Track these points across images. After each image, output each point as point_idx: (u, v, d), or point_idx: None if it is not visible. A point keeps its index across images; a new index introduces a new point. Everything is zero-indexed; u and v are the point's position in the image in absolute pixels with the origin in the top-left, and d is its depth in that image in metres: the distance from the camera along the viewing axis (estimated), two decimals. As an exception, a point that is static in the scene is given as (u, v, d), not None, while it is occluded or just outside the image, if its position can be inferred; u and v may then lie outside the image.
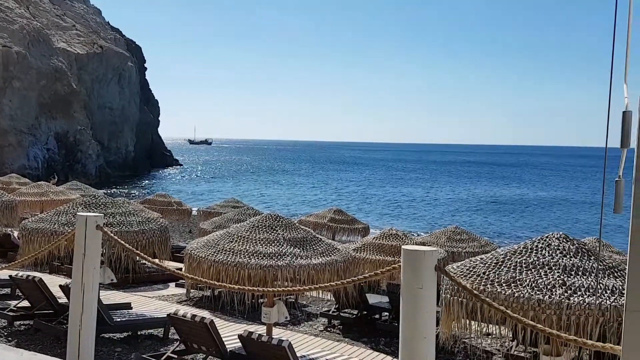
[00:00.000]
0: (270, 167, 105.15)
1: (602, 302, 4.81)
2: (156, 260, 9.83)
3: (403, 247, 2.67)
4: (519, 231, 34.86)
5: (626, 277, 1.72)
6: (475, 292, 2.78)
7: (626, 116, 1.76)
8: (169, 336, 8.40)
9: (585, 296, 4.91)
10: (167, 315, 7.27)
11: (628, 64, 1.83)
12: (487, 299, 2.72)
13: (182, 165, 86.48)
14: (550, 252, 5.58)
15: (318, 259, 7.07)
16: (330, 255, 7.26)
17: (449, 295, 5.54)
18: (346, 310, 10.69)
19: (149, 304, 10.73)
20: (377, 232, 13.87)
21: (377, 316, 10.56)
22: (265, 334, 6.83)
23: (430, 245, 13.45)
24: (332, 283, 3.55)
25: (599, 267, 5.36)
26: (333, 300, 10.91)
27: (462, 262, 6.24)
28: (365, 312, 10.48)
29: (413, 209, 45.64)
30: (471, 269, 5.81)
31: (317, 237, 7.76)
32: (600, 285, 5.06)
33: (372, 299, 10.74)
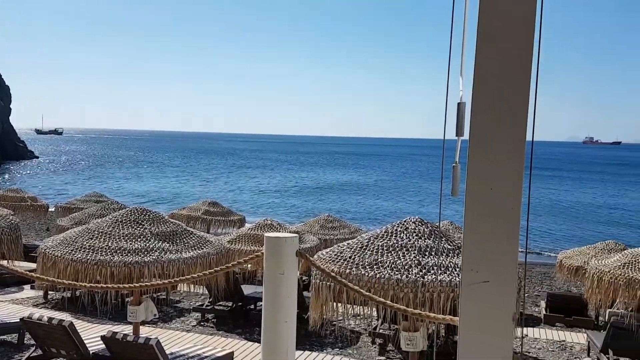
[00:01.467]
0: (135, 158, 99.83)
1: (452, 279, 5.26)
2: (4, 262, 8.88)
3: (265, 235, 2.69)
4: (379, 215, 37.03)
5: (462, 255, 1.89)
6: (332, 274, 2.89)
7: (460, 107, 1.92)
8: (25, 342, 7.75)
9: (437, 274, 5.35)
10: (21, 319, 6.68)
11: (464, 58, 1.99)
12: (344, 280, 2.85)
13: (38, 157, 78.86)
14: (408, 235, 5.98)
15: (189, 252, 6.86)
16: (202, 248, 7.09)
17: (317, 280, 5.70)
18: (220, 303, 10.56)
19: (0, 308, 9.76)
20: (253, 223, 13.85)
21: (252, 306, 10.58)
22: (132, 334, 6.53)
23: (304, 233, 13.75)
24: (193, 275, 3.46)
25: (450, 247, 5.86)
26: (207, 294, 10.73)
27: (331, 247, 6.46)
28: (240, 304, 10.45)
29: (286, 198, 46.34)
30: (339, 253, 6.04)
31: (188, 230, 7.54)
32: (451, 263, 5.53)
33: (247, 289, 10.73)
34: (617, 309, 9.02)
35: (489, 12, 1.72)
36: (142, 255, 6.65)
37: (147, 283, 5.24)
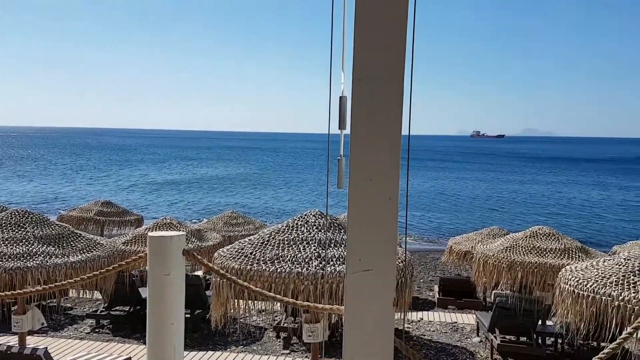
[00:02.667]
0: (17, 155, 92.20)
1: (351, 269, 5.40)
2: None
3: (149, 234, 2.58)
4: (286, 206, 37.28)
5: (347, 245, 1.94)
6: (222, 271, 2.85)
7: (342, 101, 1.97)
8: None
9: (336, 265, 5.47)
10: None
11: (345, 52, 2.04)
12: (233, 277, 2.81)
13: None
14: (308, 228, 6.06)
15: (77, 256, 6.45)
16: (92, 251, 6.69)
17: (217, 279, 5.61)
18: (117, 308, 10.05)
19: None
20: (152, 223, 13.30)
21: (151, 309, 10.19)
22: (17, 344, 6.05)
23: (207, 231, 13.45)
24: (77, 279, 3.25)
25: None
26: (103, 299, 10.17)
27: (232, 244, 6.38)
28: (138, 307, 10.02)
29: (185, 194, 45.07)
30: (240, 250, 5.98)
31: (76, 233, 7.07)
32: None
33: (145, 292, 10.32)
34: (501, 290, 9.78)
35: (365, 8, 1.78)
36: (24, 261, 6.15)
37: (30, 290, 4.85)
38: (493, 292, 10.17)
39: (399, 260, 5.99)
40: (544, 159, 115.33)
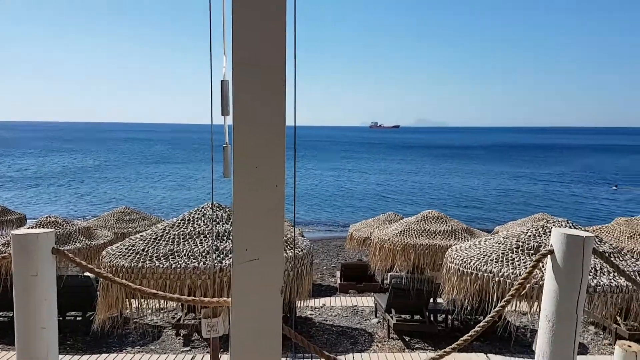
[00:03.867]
0: None
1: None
2: None
3: (12, 232, 2.34)
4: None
5: (232, 234, 1.88)
6: (97, 270, 2.67)
7: (224, 85, 1.90)
8: None
9: (234, 257, 5.37)
10: None
11: (226, 35, 1.96)
12: (110, 276, 2.65)
13: None
14: (206, 221, 5.89)
15: (-58, 261, 5.77)
16: (-39, 255, 6.02)
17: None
18: (1, 314, 9.21)
19: None
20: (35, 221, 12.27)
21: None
22: None
23: (97, 229, 12.66)
24: None
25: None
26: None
27: (122, 241, 6.04)
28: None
29: (65, 188, 42.16)
30: (130, 247, 5.67)
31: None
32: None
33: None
34: (396, 272, 10.22)
35: None
36: None
37: None
38: (389, 274, 10.60)
39: (299, 249, 6.02)
40: (433, 148, 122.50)
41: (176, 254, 5.47)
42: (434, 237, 9.87)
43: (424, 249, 9.57)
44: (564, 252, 2.14)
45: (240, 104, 1.79)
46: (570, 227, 5.93)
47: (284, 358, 5.80)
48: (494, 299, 5.22)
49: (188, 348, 8.39)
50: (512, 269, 5.40)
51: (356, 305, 11.02)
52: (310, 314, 10.54)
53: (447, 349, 2.18)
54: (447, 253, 6.49)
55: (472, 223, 19.55)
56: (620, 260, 5.76)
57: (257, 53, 1.76)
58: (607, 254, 5.61)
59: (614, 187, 43.11)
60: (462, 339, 2.26)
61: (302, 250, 5.95)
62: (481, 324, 2.29)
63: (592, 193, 40.50)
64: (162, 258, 5.41)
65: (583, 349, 8.47)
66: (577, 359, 7.38)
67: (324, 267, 16.62)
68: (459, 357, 7.47)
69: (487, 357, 7.16)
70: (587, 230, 6.33)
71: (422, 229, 10.06)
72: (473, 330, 2.29)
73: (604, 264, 5.68)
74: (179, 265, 5.28)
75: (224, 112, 1.90)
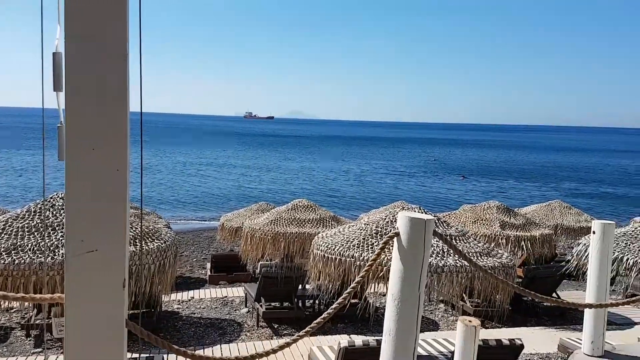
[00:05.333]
0: None
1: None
2: None
3: None
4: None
5: (65, 224, 1.71)
6: None
7: (56, 58, 1.71)
8: None
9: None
10: None
11: (60, 4, 1.77)
12: None
13: None
14: (55, 212, 5.40)
15: None
16: None
17: None
18: None
19: None
20: None
21: None
22: None
23: None
24: None
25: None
26: None
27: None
28: None
29: None
30: (-37, 243, 5.02)
31: None
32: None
33: None
34: (267, 260, 10.29)
35: None
36: None
37: None
38: (259, 263, 10.63)
39: (161, 241, 5.77)
40: (303, 138, 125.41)
41: (20, 248, 4.95)
42: (304, 225, 10.06)
43: (293, 237, 9.72)
44: (408, 235, 2.28)
45: (73, 79, 1.63)
46: (421, 212, 6.40)
47: (135, 355, 5.50)
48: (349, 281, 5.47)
49: (40, 349, 7.68)
50: (371, 253, 5.69)
51: (226, 296, 10.89)
52: (178, 308, 10.22)
53: (300, 333, 2.21)
54: (313, 240, 6.66)
55: (339, 211, 20.27)
56: (464, 242, 6.35)
57: (93, 24, 1.61)
58: (448, 236, 6.13)
59: (462, 178, 47.46)
60: (315, 322, 2.31)
61: (164, 242, 5.71)
62: (333, 306, 2.36)
63: (442, 183, 44.21)
64: (3, 253, 4.86)
65: (434, 326, 9.22)
66: (421, 335, 7.98)
67: (194, 260, 16.21)
68: (323, 339, 7.73)
69: (350, 337, 7.48)
70: (436, 217, 6.89)
71: (293, 217, 10.20)
72: (326, 312, 2.36)
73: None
74: (22, 261, 4.78)
75: (57, 87, 1.72)
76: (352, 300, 9.55)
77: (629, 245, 7.18)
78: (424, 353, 7.09)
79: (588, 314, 3.86)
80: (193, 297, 10.93)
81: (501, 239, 10.51)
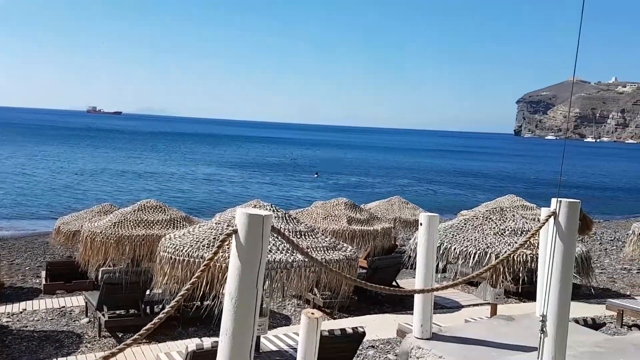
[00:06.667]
0: None
1: None
2: None
3: None
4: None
5: None
6: None
7: None
8: None
9: None
10: None
11: None
12: None
13: None
14: None
15: None
16: None
17: None
18: None
19: None
20: None
21: None
22: None
23: None
24: None
25: None
26: None
27: None
28: None
29: None
30: None
31: None
32: None
33: None
34: (109, 266, 9.62)
35: None
36: None
37: None
38: (101, 269, 9.92)
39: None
40: (151, 135, 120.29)
41: None
42: (152, 227, 9.60)
43: (140, 240, 9.23)
44: (246, 231, 2.28)
45: None
46: (272, 210, 6.49)
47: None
48: (204, 284, 5.35)
49: None
50: (221, 252, 5.60)
51: (64, 307, 10.01)
52: (7, 321, 9.16)
53: (127, 342, 2.09)
54: (160, 242, 6.37)
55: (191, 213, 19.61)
56: (313, 237, 6.56)
57: None
58: (296, 232, 6.30)
59: (315, 175, 49.06)
60: (144, 328, 2.20)
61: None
62: (165, 310, 2.28)
63: (296, 181, 45.36)
64: None
65: (286, 321, 9.43)
66: (273, 331, 8.10)
67: (27, 268, 14.62)
68: (173, 345, 7.48)
69: (201, 340, 7.34)
70: (288, 213, 7.03)
71: (140, 219, 9.68)
72: (156, 318, 2.26)
73: (300, 242, 6.39)
74: None
75: None
76: (207, 302, 9.37)
77: (456, 236, 8.03)
78: (273, 348, 7.20)
79: (417, 299, 4.22)
80: (25, 309, 9.90)
81: (348, 234, 11.07)
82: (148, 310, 8.89)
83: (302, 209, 12.15)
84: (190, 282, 2.27)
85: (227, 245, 2.44)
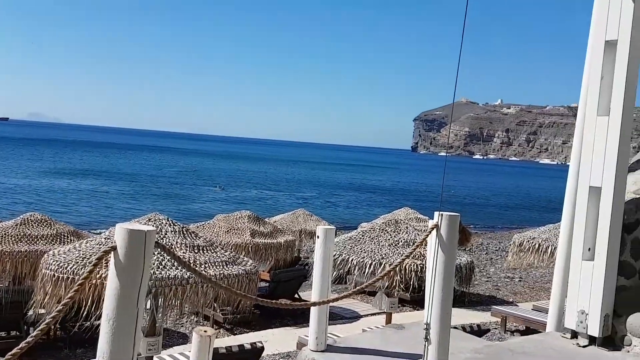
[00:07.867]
0: None
1: None
2: None
3: None
4: None
5: None
6: None
7: None
8: None
9: None
10: None
11: None
12: None
13: None
14: None
15: None
16: None
17: None
18: None
19: None
20: None
21: None
22: None
23: None
24: None
25: None
26: None
27: None
28: None
29: None
30: None
31: None
32: None
33: None
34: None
35: None
36: None
37: None
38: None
39: None
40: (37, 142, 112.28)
41: None
42: (36, 242, 8.92)
43: (22, 256, 8.54)
44: (126, 248, 2.18)
45: None
46: (168, 224, 6.27)
47: None
48: (89, 302, 5.03)
49: None
50: (99, 268, 5.31)
51: None
52: None
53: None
54: (42, 259, 5.92)
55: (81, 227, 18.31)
56: (212, 252, 6.43)
57: None
58: (182, 246, 6.13)
59: (219, 189, 47.57)
60: (9, 354, 2.02)
61: None
62: (33, 334, 2.11)
63: (196, 194, 44.09)
64: None
65: (184, 339, 9.11)
66: (169, 350, 7.81)
67: None
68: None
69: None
70: (186, 227, 6.84)
71: (22, 233, 8.96)
72: (23, 342, 2.09)
73: (198, 257, 6.23)
74: None
75: None
76: (97, 322, 8.83)
77: (354, 247, 8.25)
78: (167, 368, 6.93)
79: (313, 311, 4.26)
80: None
81: (251, 247, 10.96)
82: (31, 332, 8.19)
83: (203, 223, 11.86)
84: (62, 303, 2.12)
85: (106, 262, 2.31)
